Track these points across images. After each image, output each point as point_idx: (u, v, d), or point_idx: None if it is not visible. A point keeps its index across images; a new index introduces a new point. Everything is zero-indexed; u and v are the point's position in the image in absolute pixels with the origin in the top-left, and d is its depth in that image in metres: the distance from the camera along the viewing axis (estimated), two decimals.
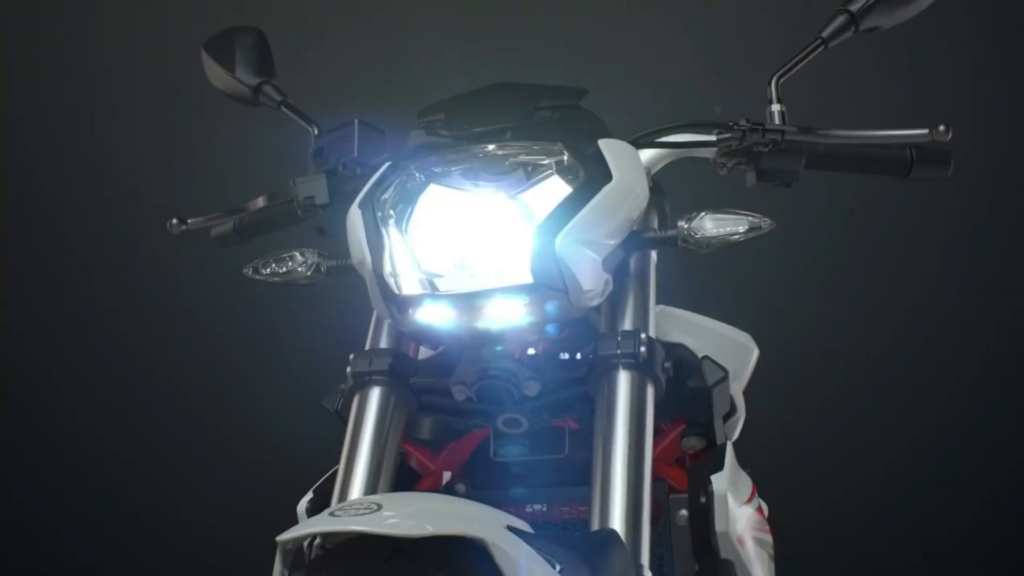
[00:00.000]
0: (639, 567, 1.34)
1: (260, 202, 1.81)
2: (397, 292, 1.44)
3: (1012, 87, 3.57)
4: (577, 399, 1.54)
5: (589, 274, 1.42)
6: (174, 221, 1.84)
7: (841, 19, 1.67)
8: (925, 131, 1.58)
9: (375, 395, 1.55)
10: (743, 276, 3.33)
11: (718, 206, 1.59)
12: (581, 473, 1.63)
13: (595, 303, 1.47)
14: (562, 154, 1.48)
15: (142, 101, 3.90)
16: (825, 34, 1.67)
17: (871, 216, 3.57)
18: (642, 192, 1.50)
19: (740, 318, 1.95)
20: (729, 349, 1.75)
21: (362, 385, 1.56)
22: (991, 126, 3.43)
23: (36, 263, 4.01)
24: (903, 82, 3.50)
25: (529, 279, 1.40)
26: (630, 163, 1.50)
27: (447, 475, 1.76)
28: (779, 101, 1.65)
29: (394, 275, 1.45)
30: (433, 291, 1.43)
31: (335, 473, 1.77)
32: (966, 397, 3.66)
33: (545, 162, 1.48)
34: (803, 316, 3.62)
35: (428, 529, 1.09)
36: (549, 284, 1.40)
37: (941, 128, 1.57)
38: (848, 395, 3.69)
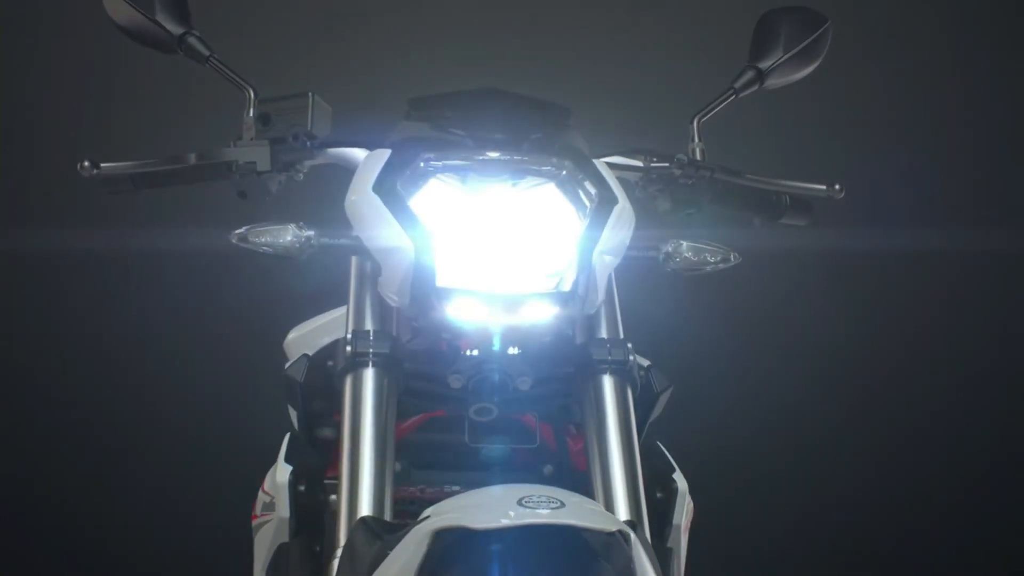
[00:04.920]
0: None
1: (192, 158, 1.74)
2: (432, 283, 1.48)
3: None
4: (552, 395, 1.66)
5: (602, 287, 1.55)
6: (86, 163, 1.73)
7: (750, 74, 1.89)
8: (823, 186, 1.86)
9: (370, 376, 1.56)
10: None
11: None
12: (542, 461, 1.77)
13: (592, 312, 1.59)
14: (562, 170, 1.58)
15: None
16: (736, 85, 1.89)
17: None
18: (632, 212, 1.64)
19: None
20: None
21: (358, 365, 1.56)
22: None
23: None
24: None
25: (566, 287, 1.50)
26: (619, 184, 1.63)
27: None
28: (700, 139, 1.85)
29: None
30: (468, 286, 1.49)
31: (293, 443, 1.77)
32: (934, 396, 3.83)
33: (546, 170, 1.58)
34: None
35: (611, 526, 1.20)
36: (580, 293, 1.51)
37: (836, 186, 1.86)
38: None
